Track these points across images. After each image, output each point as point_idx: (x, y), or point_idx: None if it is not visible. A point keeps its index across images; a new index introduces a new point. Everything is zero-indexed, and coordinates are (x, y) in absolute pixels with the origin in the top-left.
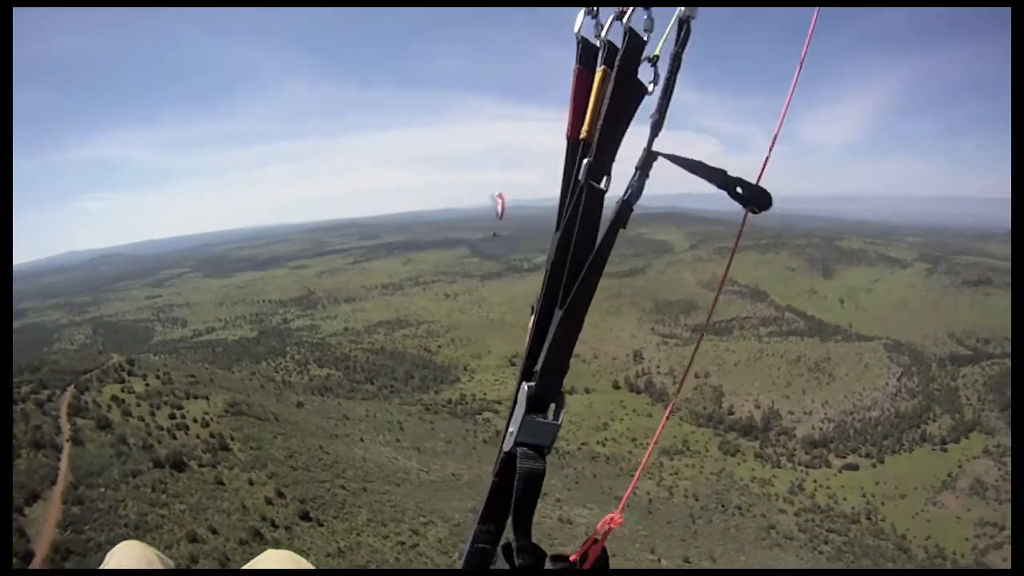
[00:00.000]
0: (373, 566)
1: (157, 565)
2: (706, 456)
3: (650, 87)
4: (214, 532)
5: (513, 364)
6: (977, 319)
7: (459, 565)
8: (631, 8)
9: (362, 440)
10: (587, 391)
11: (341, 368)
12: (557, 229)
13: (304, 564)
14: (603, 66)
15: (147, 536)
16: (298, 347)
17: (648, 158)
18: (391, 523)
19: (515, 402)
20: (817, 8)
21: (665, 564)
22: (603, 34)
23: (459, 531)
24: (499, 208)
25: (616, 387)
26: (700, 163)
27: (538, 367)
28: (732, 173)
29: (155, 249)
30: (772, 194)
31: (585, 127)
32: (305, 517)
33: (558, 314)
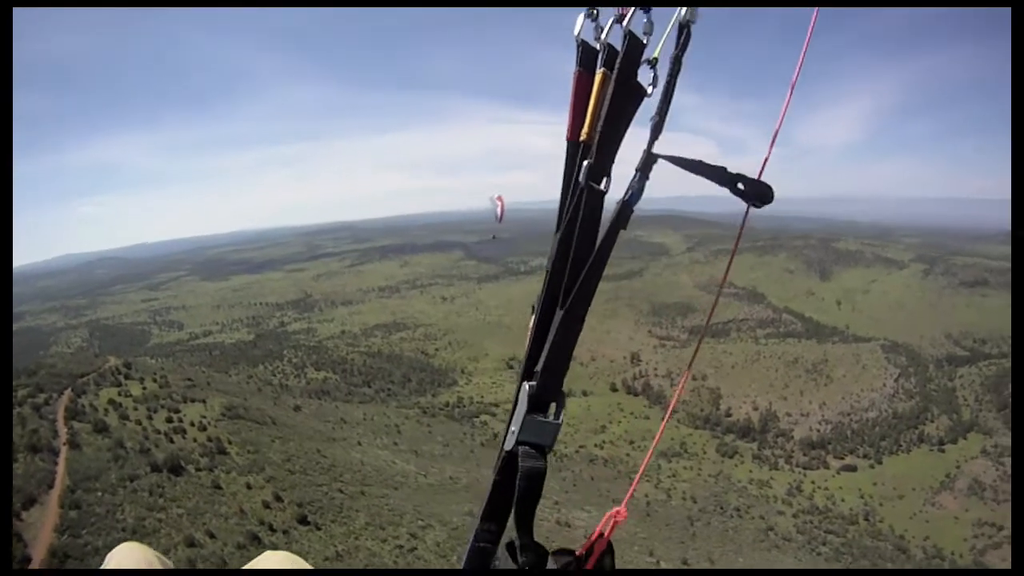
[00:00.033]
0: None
1: (157, 567)
2: (704, 458)
3: (649, 89)
4: (212, 536)
5: (510, 367)
6: (974, 320)
7: (460, 565)
8: (631, 11)
9: (360, 443)
10: (585, 394)
11: (338, 371)
12: (557, 230)
13: (303, 566)
14: (603, 68)
15: (144, 540)
16: (295, 350)
17: (648, 160)
18: (389, 527)
19: (516, 401)
20: (816, 8)
21: (664, 566)
22: (603, 37)
23: (457, 535)
24: (498, 211)
25: (614, 390)
26: (700, 162)
27: (539, 367)
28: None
29: (150, 252)
30: (764, 205)
31: (585, 129)
32: (303, 521)
33: (559, 314)
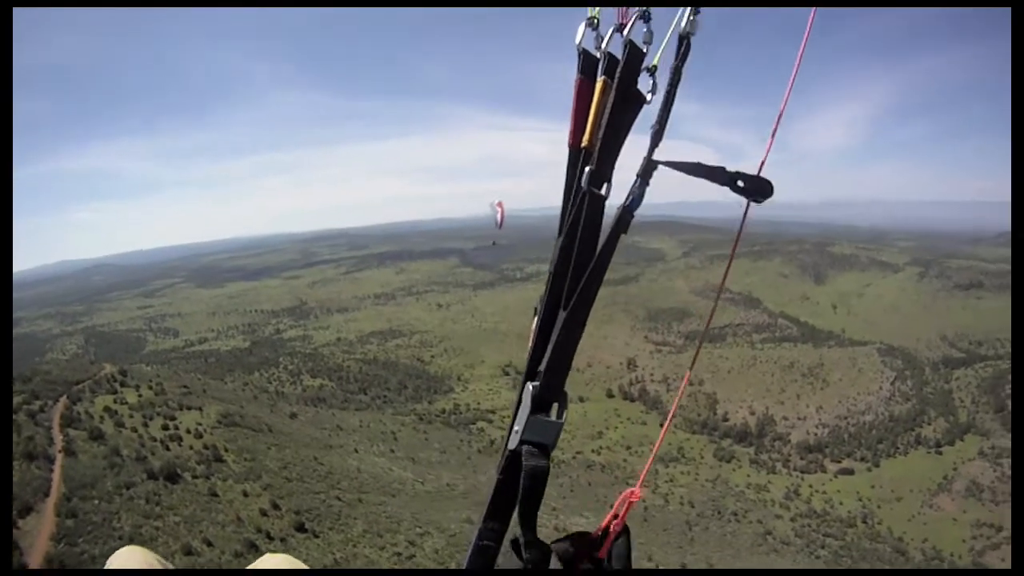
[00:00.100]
0: None
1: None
2: (701, 463)
3: (649, 96)
4: (209, 544)
5: (506, 374)
6: (969, 322)
7: (461, 565)
8: (631, 21)
9: (356, 451)
10: (581, 399)
11: (334, 378)
12: (560, 234)
13: (304, 568)
14: (603, 76)
15: None
16: (291, 357)
17: (648, 167)
18: (387, 534)
19: (519, 401)
20: (814, 8)
21: None
22: (603, 46)
23: (456, 542)
24: (499, 217)
25: (610, 395)
26: (698, 164)
27: (542, 367)
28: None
29: (146, 259)
30: (765, 201)
31: (586, 136)
32: (300, 528)
33: (562, 316)
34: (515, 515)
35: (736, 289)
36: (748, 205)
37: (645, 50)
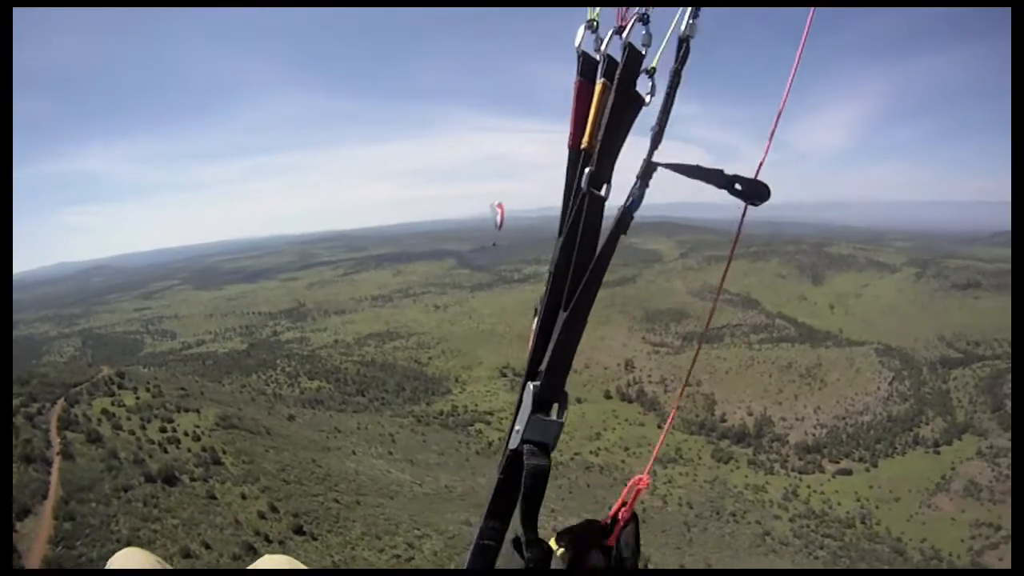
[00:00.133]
0: None
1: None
2: (699, 464)
3: (648, 98)
4: (207, 547)
5: (504, 375)
6: (967, 322)
7: (462, 565)
8: (630, 24)
9: (354, 453)
10: (579, 401)
11: (332, 380)
12: (560, 235)
13: (304, 568)
14: (603, 79)
15: None
16: (288, 359)
17: (648, 168)
18: (385, 536)
19: (520, 401)
20: (813, 8)
21: None
22: (603, 48)
23: (454, 544)
24: (498, 218)
25: (608, 397)
26: (697, 167)
27: (543, 367)
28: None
29: (144, 261)
30: (763, 203)
31: (586, 138)
32: (299, 531)
33: (562, 316)
34: (516, 514)
35: (734, 290)
36: (746, 208)
37: (644, 52)
